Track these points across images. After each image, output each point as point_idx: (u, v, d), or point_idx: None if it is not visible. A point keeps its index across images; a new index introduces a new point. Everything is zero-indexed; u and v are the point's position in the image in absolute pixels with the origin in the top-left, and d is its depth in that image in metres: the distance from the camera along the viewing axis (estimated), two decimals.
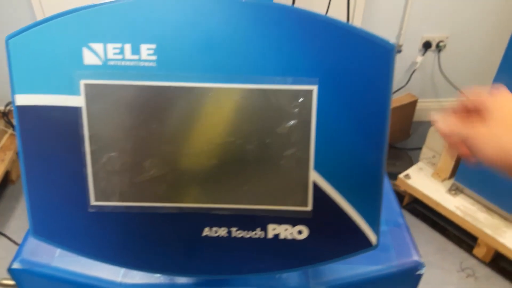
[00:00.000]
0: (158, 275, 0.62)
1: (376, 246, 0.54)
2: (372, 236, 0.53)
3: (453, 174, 1.52)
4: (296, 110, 0.49)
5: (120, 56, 0.48)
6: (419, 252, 0.66)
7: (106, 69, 0.48)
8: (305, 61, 0.48)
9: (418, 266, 0.65)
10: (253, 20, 0.47)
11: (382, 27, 1.85)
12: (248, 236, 0.54)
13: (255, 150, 0.50)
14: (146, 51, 0.48)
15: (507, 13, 1.78)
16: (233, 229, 0.54)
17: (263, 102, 0.49)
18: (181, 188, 0.52)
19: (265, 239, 0.54)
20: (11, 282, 0.68)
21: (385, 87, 0.48)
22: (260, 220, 0.53)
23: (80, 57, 0.48)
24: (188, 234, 0.54)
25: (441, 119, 0.44)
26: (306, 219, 0.53)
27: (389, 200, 0.76)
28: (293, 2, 0.91)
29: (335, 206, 0.52)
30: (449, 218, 1.48)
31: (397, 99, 1.87)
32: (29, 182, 0.53)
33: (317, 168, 0.51)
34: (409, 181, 1.57)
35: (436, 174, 1.57)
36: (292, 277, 0.63)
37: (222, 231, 0.54)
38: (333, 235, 0.54)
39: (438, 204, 1.50)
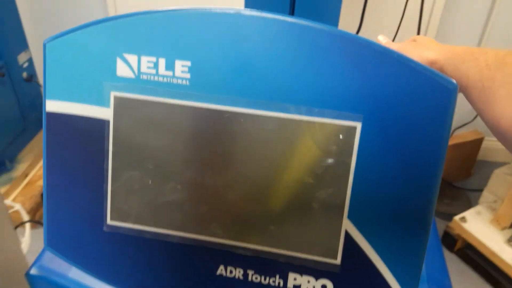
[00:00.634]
0: None
1: None
2: None
3: None
4: (335, 147, 0.43)
5: (153, 71, 0.45)
6: None
7: (138, 83, 0.46)
8: (351, 94, 0.42)
9: None
10: (296, 43, 0.42)
11: None
12: (265, 282, 0.48)
13: (284, 188, 0.45)
14: (181, 68, 0.45)
15: None
16: (250, 272, 0.48)
17: (299, 135, 0.44)
18: (200, 219, 0.48)
19: None
20: None
21: (441, 132, 0.41)
22: (281, 266, 0.47)
23: (114, 67, 0.46)
24: (201, 269, 0.49)
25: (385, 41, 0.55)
26: (332, 273, 0.46)
27: (433, 250, 0.66)
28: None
29: (368, 263, 0.45)
30: (504, 271, 1.34)
31: (460, 135, 1.75)
32: (48, 192, 0.51)
33: (351, 216, 0.44)
34: (465, 225, 1.45)
35: (496, 221, 1.43)
36: None
37: (238, 272, 0.48)
38: None
39: (494, 254, 1.37)
